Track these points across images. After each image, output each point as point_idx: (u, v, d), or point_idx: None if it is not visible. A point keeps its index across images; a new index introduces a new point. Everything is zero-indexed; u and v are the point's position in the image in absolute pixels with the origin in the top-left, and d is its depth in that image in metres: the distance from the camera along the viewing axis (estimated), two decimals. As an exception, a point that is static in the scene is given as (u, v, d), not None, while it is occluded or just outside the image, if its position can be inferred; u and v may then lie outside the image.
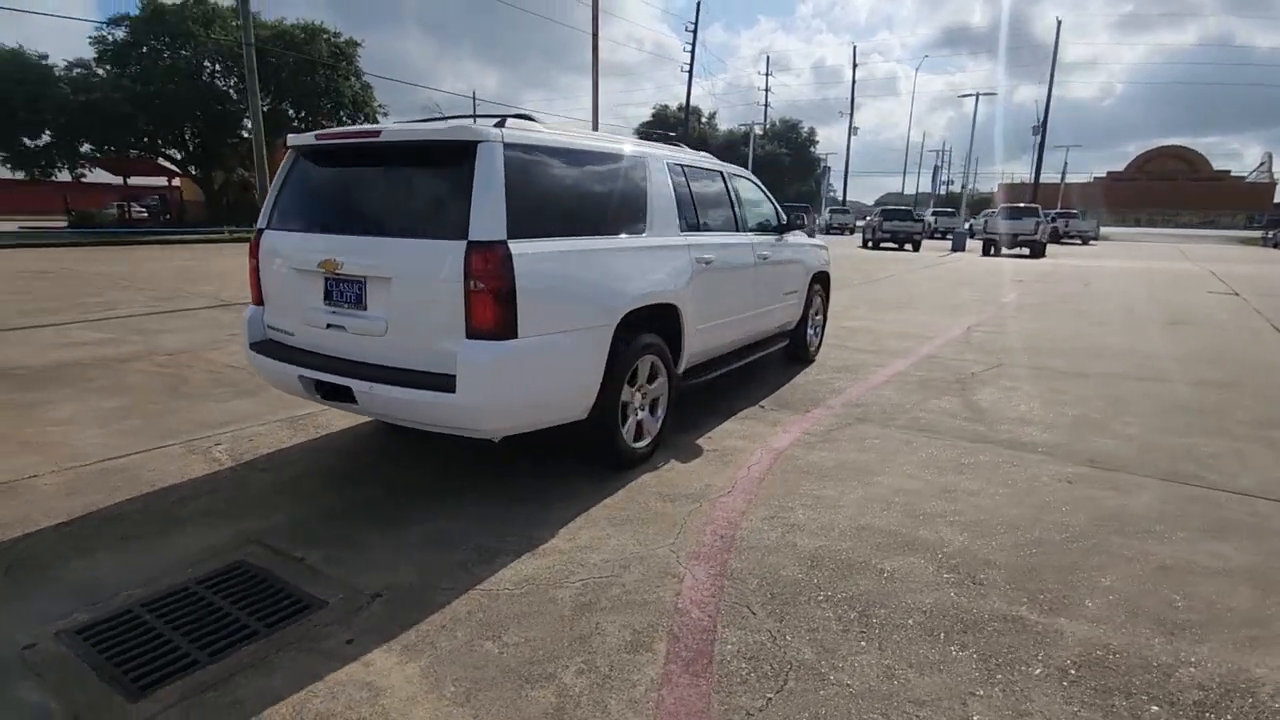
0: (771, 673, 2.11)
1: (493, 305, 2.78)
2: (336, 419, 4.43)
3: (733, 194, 4.88)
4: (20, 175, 32.65)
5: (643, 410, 3.81)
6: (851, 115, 48.71)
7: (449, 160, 2.89)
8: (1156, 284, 14.64)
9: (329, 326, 3.18)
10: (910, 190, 75.66)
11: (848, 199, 51.21)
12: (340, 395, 3.09)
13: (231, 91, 32.63)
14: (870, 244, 28.41)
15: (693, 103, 43.50)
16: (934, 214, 41.64)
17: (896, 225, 26.97)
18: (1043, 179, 43.00)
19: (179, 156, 33.21)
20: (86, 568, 2.68)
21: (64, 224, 28.88)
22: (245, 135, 33.48)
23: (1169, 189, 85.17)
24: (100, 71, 31.60)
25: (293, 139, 3.43)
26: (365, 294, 3.05)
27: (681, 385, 4.27)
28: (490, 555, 2.81)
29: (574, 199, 3.32)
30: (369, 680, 2.07)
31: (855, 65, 48.69)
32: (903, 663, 2.16)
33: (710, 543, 2.93)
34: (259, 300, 3.60)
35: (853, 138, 47.15)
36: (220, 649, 2.23)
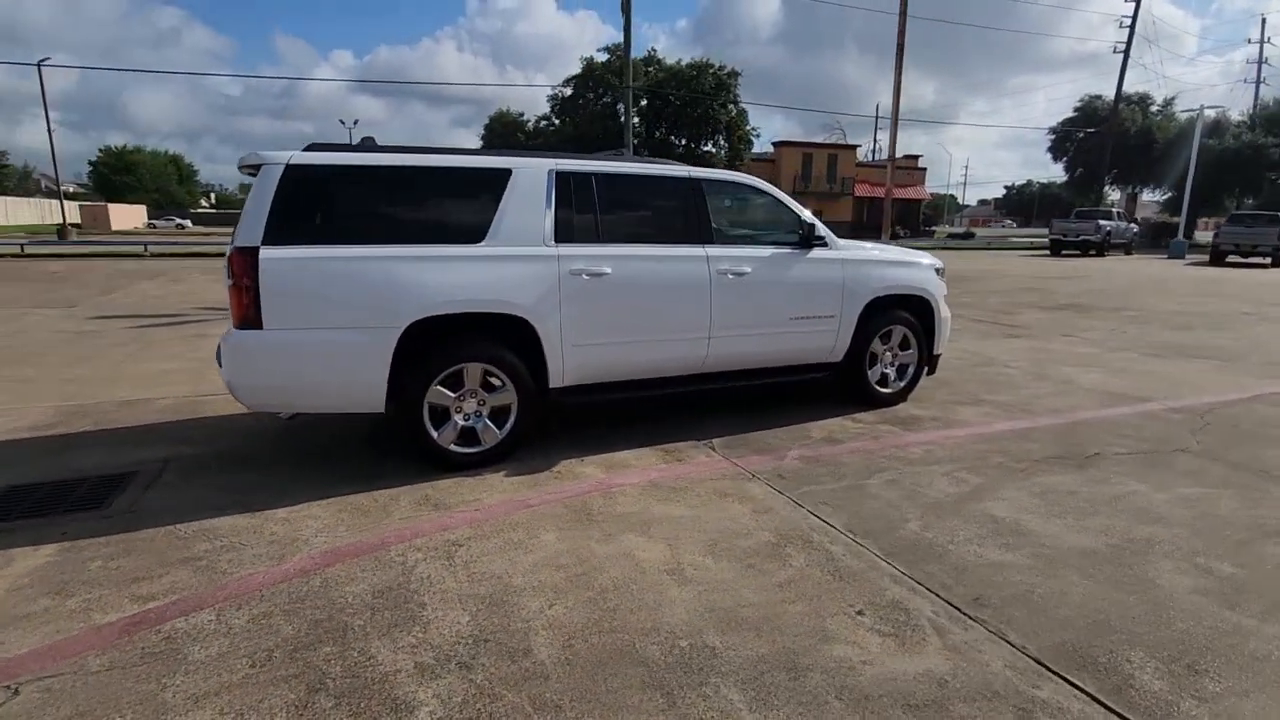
0: (140, 657, 2.20)
1: (240, 299, 3.33)
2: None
3: (692, 204, 4.35)
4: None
5: (477, 418, 3.85)
6: None
7: (254, 180, 3.53)
8: None
9: None
10: None
11: None
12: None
13: (639, 125, 38.69)
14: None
15: (1160, 89, 34.48)
16: None
17: None
18: None
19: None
20: (81, 455, 4.12)
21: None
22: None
23: None
24: (556, 122, 41.06)
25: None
26: (236, 288, 3.91)
27: (574, 401, 4.12)
28: (229, 507, 3.36)
29: (375, 211, 3.62)
30: (12, 559, 2.86)
31: None
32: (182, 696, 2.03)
33: (360, 545, 2.97)
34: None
35: None
36: (25, 514, 3.29)
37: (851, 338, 4.88)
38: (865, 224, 42.94)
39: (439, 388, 3.72)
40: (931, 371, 5.42)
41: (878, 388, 5.11)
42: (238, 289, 3.34)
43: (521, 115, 41.46)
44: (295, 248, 3.40)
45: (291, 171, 3.43)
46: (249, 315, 3.35)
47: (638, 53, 41.10)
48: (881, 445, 4.27)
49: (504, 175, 3.88)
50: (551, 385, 4.01)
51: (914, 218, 49.29)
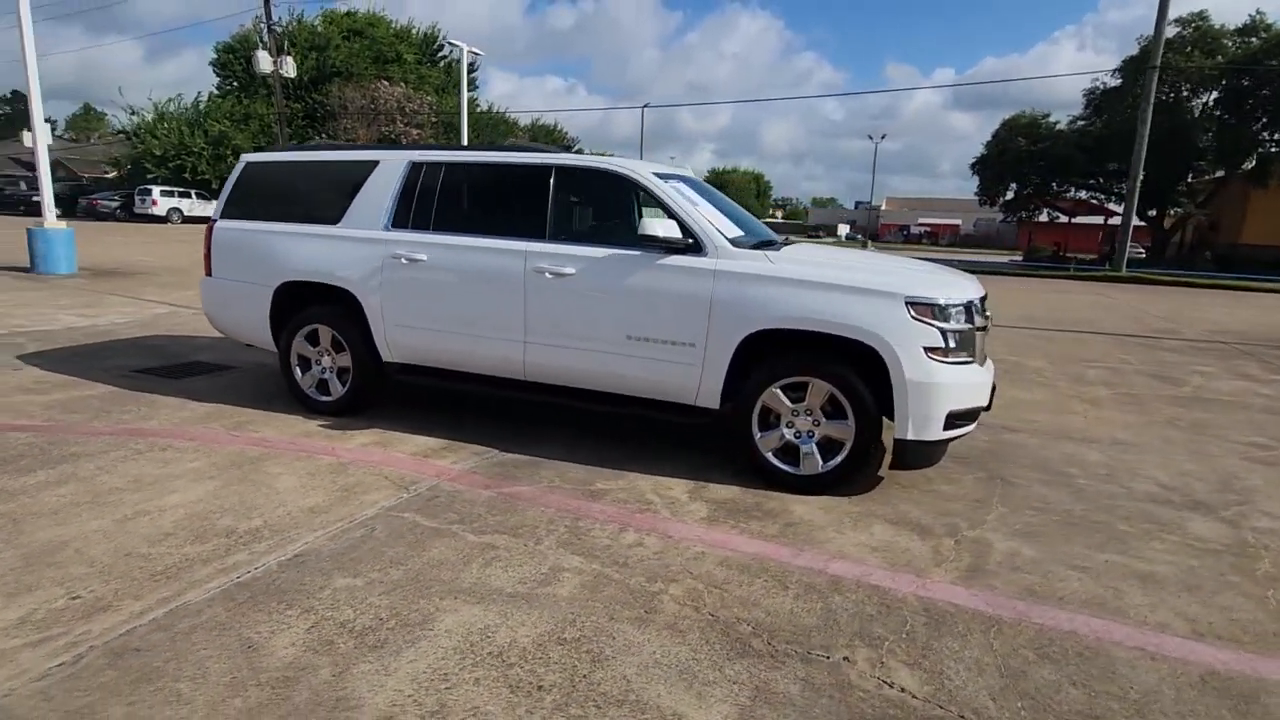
0: (-30, 442, 3.79)
1: (205, 255, 4.78)
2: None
3: (530, 194, 3.90)
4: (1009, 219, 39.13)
5: (330, 373, 4.50)
6: None
7: None
8: None
9: None
10: None
11: None
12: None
13: (1217, 115, 28.67)
14: None
15: None
16: None
17: None
18: None
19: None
20: (251, 352, 6.38)
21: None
22: (1210, 172, 29.47)
23: None
24: (1096, 123, 33.57)
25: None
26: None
27: (408, 379, 4.37)
28: (190, 394, 4.88)
29: (282, 196, 4.55)
30: (96, 388, 4.94)
31: None
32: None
33: (141, 430, 4.07)
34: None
35: None
36: (162, 374, 5.51)
37: (724, 379, 3.55)
38: None
39: (302, 340, 4.51)
40: (909, 464, 3.42)
41: (775, 461, 3.55)
42: (204, 248, 4.82)
43: (1047, 116, 35.07)
44: (233, 221, 4.69)
45: (246, 166, 4.72)
46: (207, 266, 4.80)
47: (1237, 20, 30.25)
48: (633, 522, 3.13)
49: (371, 166, 4.36)
50: (383, 359, 4.35)
51: None
